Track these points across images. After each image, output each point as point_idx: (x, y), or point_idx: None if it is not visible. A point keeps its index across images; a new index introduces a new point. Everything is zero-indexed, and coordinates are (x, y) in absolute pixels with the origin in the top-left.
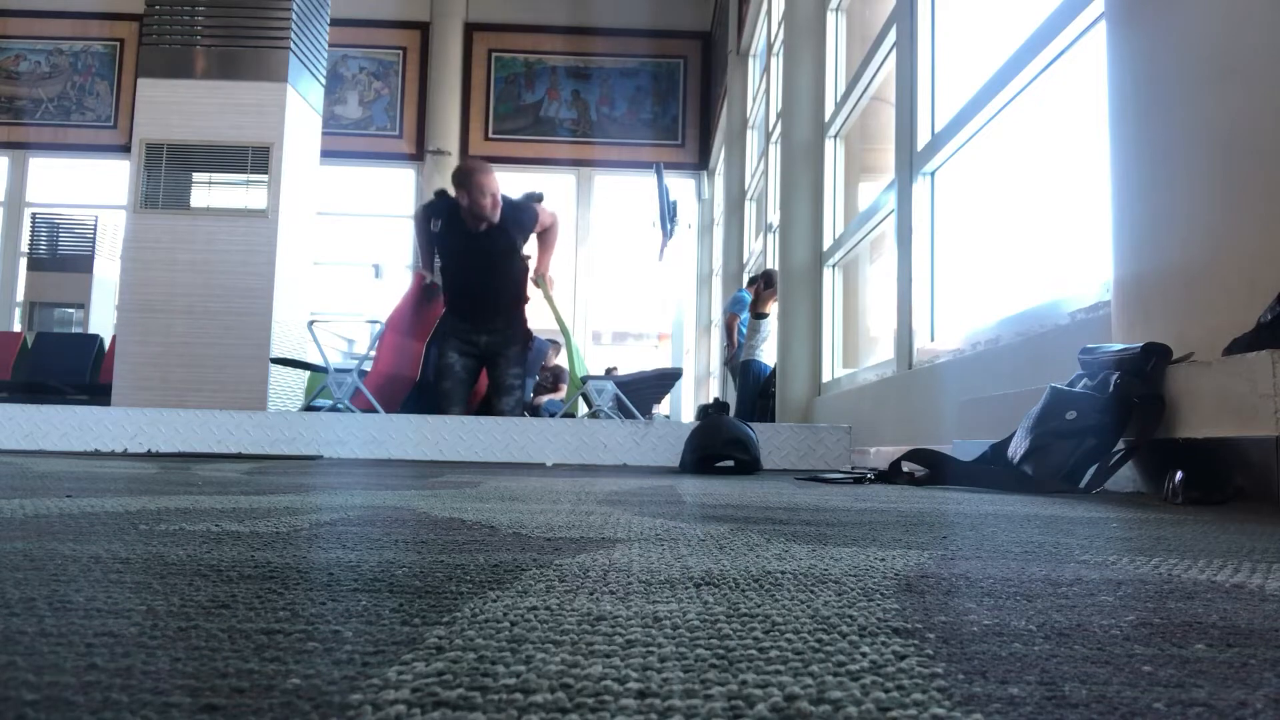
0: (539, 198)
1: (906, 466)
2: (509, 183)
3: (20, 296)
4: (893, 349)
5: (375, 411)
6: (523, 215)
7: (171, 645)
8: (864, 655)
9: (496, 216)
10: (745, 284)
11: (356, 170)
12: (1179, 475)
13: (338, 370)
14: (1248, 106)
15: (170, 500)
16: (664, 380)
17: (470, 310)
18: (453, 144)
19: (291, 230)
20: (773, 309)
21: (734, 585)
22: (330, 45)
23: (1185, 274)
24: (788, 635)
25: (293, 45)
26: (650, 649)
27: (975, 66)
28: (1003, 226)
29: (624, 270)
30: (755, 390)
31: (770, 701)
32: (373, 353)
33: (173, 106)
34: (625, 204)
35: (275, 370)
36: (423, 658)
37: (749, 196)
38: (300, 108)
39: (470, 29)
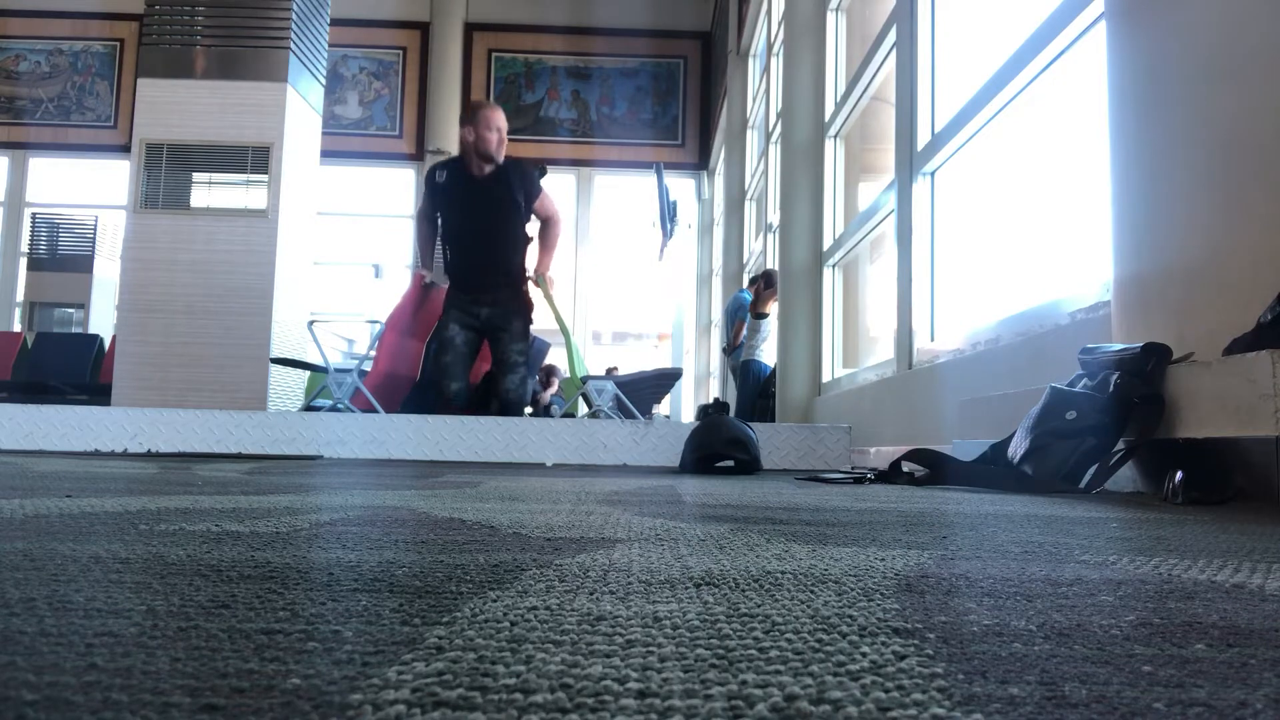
0: (543, 171)
1: (906, 466)
2: None
3: (20, 296)
4: (893, 349)
5: (375, 411)
6: (526, 174)
7: (171, 645)
8: (864, 655)
9: (501, 155)
10: (745, 284)
11: (356, 170)
12: (1179, 475)
13: (338, 370)
14: (1248, 106)
15: (170, 500)
16: (664, 380)
17: (471, 276)
18: (453, 144)
19: (291, 230)
20: (773, 309)
21: (734, 585)
22: (330, 45)
23: (1185, 274)
24: (788, 635)
25: (293, 45)
26: (650, 649)
27: (975, 66)
28: (1003, 226)
29: (624, 270)
30: (755, 390)
31: (770, 701)
32: (373, 353)
33: (173, 106)
34: (625, 204)
35: (275, 370)
36: (423, 658)
37: (749, 196)
38: (300, 108)
39: (470, 29)
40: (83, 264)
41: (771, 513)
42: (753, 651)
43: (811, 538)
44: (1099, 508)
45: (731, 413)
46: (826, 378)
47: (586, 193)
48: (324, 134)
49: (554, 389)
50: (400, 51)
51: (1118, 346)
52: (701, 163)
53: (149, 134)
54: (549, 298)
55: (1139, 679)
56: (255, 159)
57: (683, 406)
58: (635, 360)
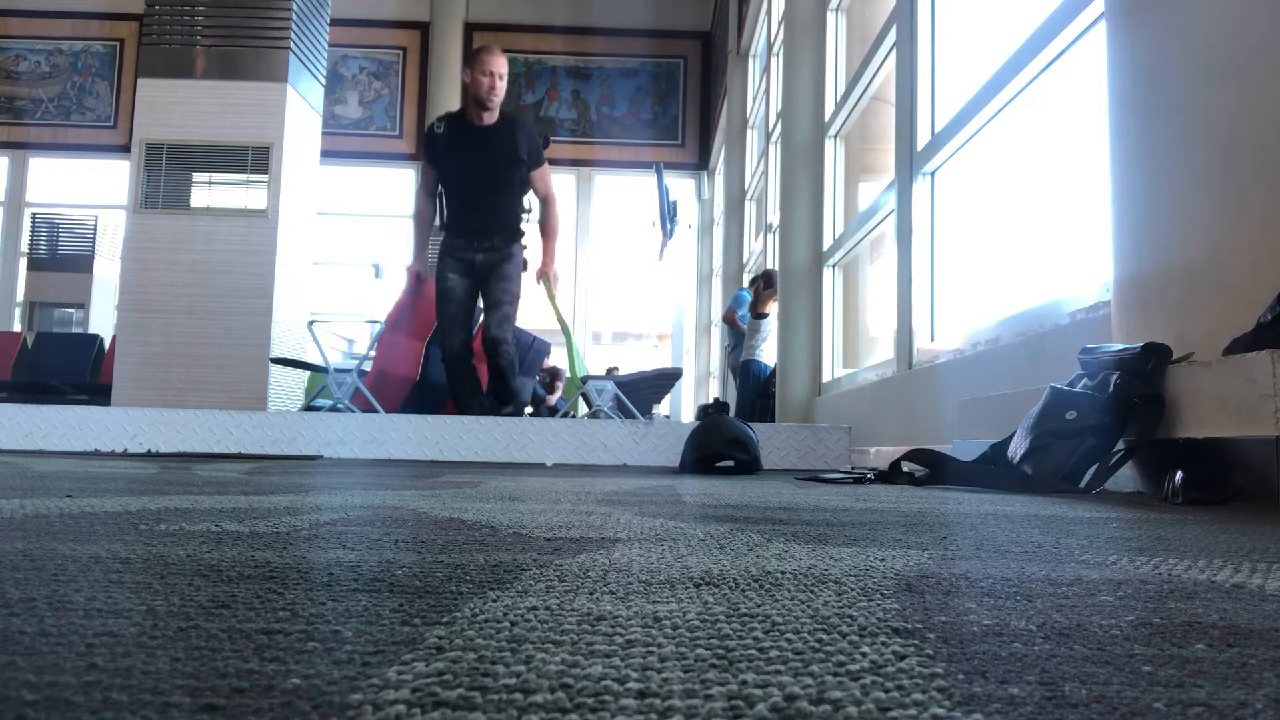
0: (546, 141)
1: (906, 466)
2: None
3: (20, 296)
4: (892, 349)
5: (375, 411)
6: (531, 135)
7: (171, 645)
8: (864, 655)
9: (494, 101)
10: (745, 284)
11: (356, 170)
12: (1179, 475)
13: (338, 370)
14: (1248, 106)
15: (170, 500)
16: (664, 380)
17: (467, 222)
18: None
19: (291, 230)
20: (773, 309)
21: (734, 585)
22: (330, 45)
23: (1185, 274)
24: (788, 635)
25: (293, 45)
26: (650, 649)
27: (975, 66)
28: (1003, 226)
29: (624, 270)
30: (755, 390)
31: (770, 701)
32: (373, 353)
33: (173, 106)
34: (625, 204)
35: (275, 370)
36: (423, 658)
37: (749, 196)
38: (300, 108)
39: (470, 29)
40: (83, 264)
41: (771, 513)
42: (753, 651)
43: (811, 538)
44: (1099, 508)
45: (731, 413)
46: (826, 378)
47: (586, 193)
48: (324, 134)
49: (559, 393)
50: (400, 51)
51: (1118, 346)
52: (701, 163)
53: (149, 134)
54: (551, 297)
55: (1139, 679)
56: (255, 159)
57: (683, 406)
58: (635, 360)
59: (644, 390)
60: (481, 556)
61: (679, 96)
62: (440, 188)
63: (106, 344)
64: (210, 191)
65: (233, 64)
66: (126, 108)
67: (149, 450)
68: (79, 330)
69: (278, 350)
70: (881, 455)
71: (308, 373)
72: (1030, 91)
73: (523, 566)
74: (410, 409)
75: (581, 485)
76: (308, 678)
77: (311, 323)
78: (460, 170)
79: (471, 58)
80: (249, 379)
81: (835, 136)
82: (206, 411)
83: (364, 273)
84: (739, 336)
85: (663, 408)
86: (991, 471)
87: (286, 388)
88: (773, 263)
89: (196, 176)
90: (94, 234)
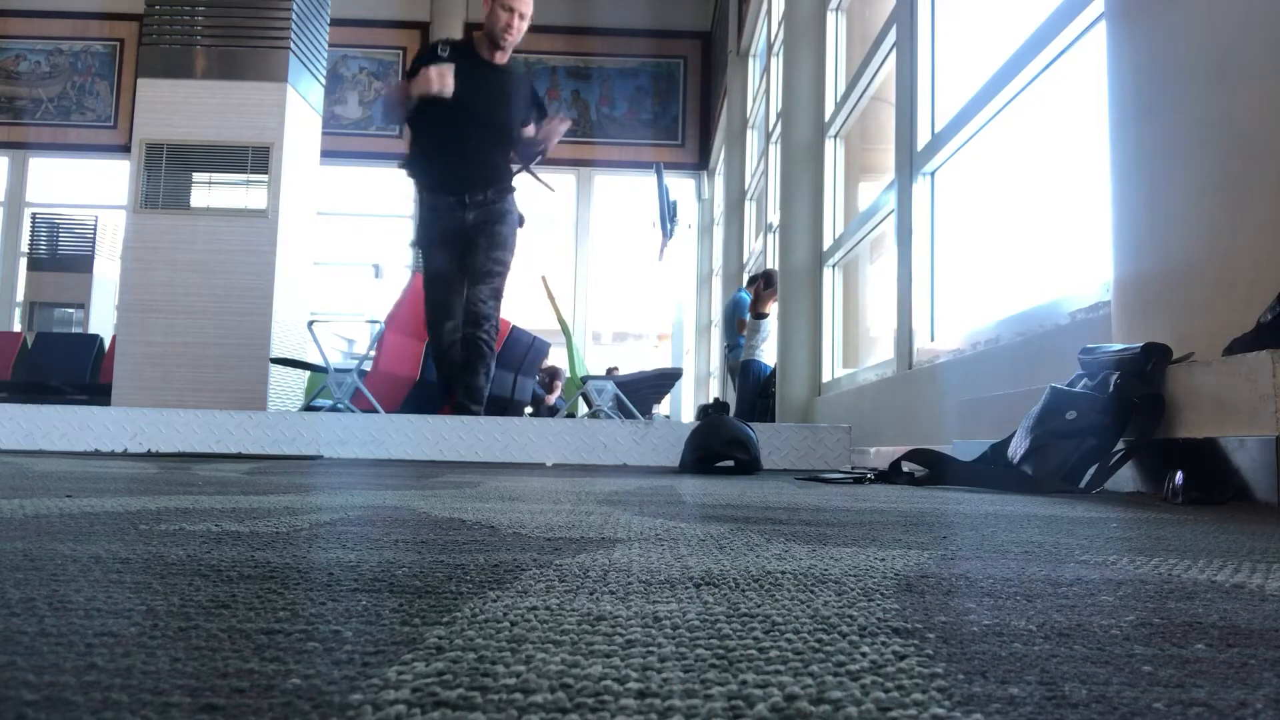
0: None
1: (906, 466)
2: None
3: (20, 296)
4: (892, 349)
5: (375, 411)
6: (539, 97)
7: (171, 645)
8: (864, 655)
9: (507, 40)
10: (745, 284)
11: (356, 170)
12: (1179, 475)
13: (338, 370)
14: (1248, 106)
15: (170, 500)
16: (664, 380)
17: (457, 170)
18: None
19: (291, 230)
20: (773, 309)
21: (734, 585)
22: (330, 45)
23: (1185, 274)
24: (788, 635)
25: (293, 45)
26: (650, 649)
27: (975, 66)
28: (1003, 226)
29: (624, 270)
30: (755, 390)
31: (770, 701)
32: (373, 352)
33: (173, 106)
34: (625, 204)
35: (275, 370)
36: (423, 658)
37: (749, 196)
38: (300, 108)
39: (470, 29)
40: (83, 264)
41: (771, 513)
42: (753, 651)
43: (811, 538)
44: (1099, 508)
45: (731, 413)
46: (826, 378)
47: (586, 193)
48: (324, 134)
49: (558, 393)
50: (400, 51)
51: (1118, 346)
52: (701, 163)
53: (149, 134)
54: (550, 296)
55: (1139, 679)
56: (255, 159)
57: (683, 406)
58: (635, 360)
59: (644, 390)
60: (481, 556)
61: (679, 96)
62: (424, 121)
63: (106, 344)
64: (210, 191)
65: (233, 64)
66: (126, 108)
67: (149, 450)
68: (79, 330)
69: (278, 350)
70: (881, 455)
71: (308, 373)
72: (1030, 91)
73: (523, 566)
74: (410, 409)
75: (581, 485)
76: (308, 678)
77: (311, 323)
78: (457, 104)
79: None
80: (249, 379)
81: (835, 136)
82: (206, 411)
83: (364, 273)
84: (737, 336)
85: (663, 408)
86: (991, 471)
87: (286, 388)
88: (773, 263)
89: (196, 176)
90: (94, 234)
